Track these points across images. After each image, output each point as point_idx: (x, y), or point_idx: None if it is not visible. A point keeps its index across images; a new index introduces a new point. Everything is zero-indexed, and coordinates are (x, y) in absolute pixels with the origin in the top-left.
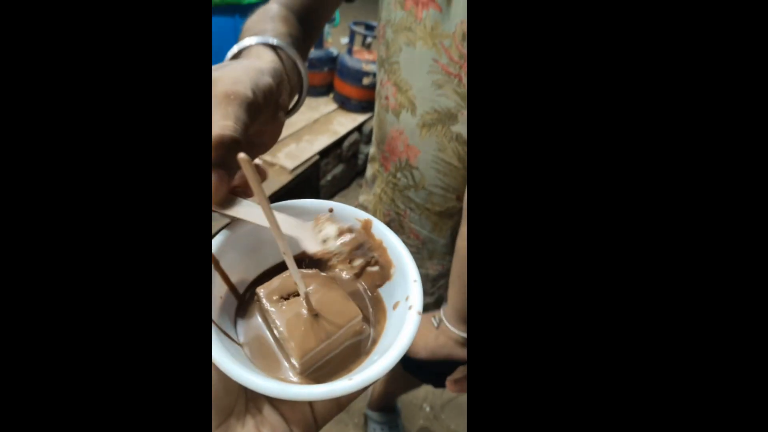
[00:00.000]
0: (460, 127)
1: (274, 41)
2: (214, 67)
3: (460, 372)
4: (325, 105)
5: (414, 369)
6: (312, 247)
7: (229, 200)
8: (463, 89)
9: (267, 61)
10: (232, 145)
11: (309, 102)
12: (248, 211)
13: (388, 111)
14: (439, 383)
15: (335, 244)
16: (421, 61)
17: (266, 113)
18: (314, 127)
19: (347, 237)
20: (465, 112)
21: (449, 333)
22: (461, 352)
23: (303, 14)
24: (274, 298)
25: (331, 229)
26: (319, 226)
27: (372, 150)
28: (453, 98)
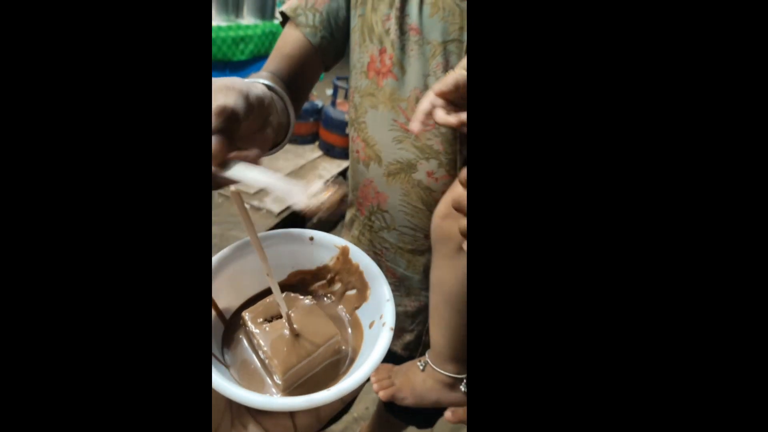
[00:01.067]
0: (420, 175)
1: (266, 82)
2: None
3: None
4: (311, 152)
5: (397, 411)
6: (301, 201)
7: (227, 163)
8: (420, 143)
9: (259, 86)
10: (233, 116)
11: (295, 149)
12: (244, 172)
13: (359, 162)
14: (423, 424)
15: (323, 196)
16: (383, 121)
17: (256, 120)
18: (300, 173)
19: (333, 189)
20: (423, 163)
21: (436, 375)
22: (450, 396)
23: (288, 82)
24: (259, 320)
25: (318, 185)
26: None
27: (349, 196)
28: (412, 151)
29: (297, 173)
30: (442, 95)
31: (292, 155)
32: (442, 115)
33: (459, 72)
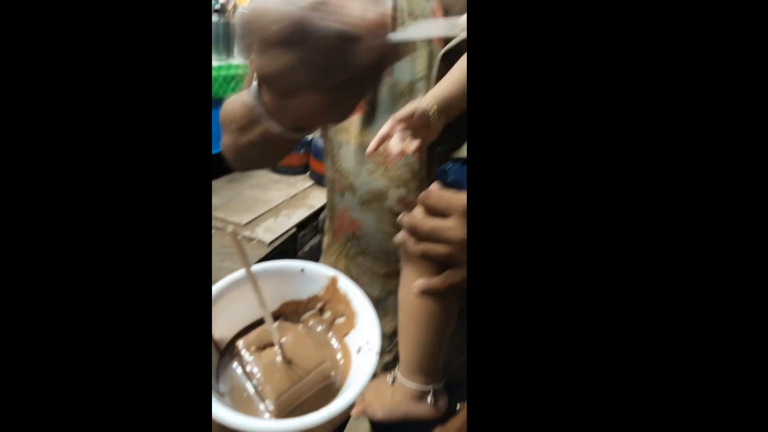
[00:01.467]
0: (391, 202)
1: None
2: None
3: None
4: (302, 182)
5: None
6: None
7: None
8: (390, 173)
9: None
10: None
11: (287, 179)
12: (413, 30)
13: (335, 192)
14: None
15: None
16: (355, 154)
17: None
18: (291, 202)
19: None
20: (394, 191)
21: (404, 388)
22: (418, 409)
23: None
24: (252, 348)
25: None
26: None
27: (327, 223)
28: (383, 180)
29: (288, 203)
30: (400, 122)
31: (284, 185)
32: (393, 143)
33: (419, 102)
